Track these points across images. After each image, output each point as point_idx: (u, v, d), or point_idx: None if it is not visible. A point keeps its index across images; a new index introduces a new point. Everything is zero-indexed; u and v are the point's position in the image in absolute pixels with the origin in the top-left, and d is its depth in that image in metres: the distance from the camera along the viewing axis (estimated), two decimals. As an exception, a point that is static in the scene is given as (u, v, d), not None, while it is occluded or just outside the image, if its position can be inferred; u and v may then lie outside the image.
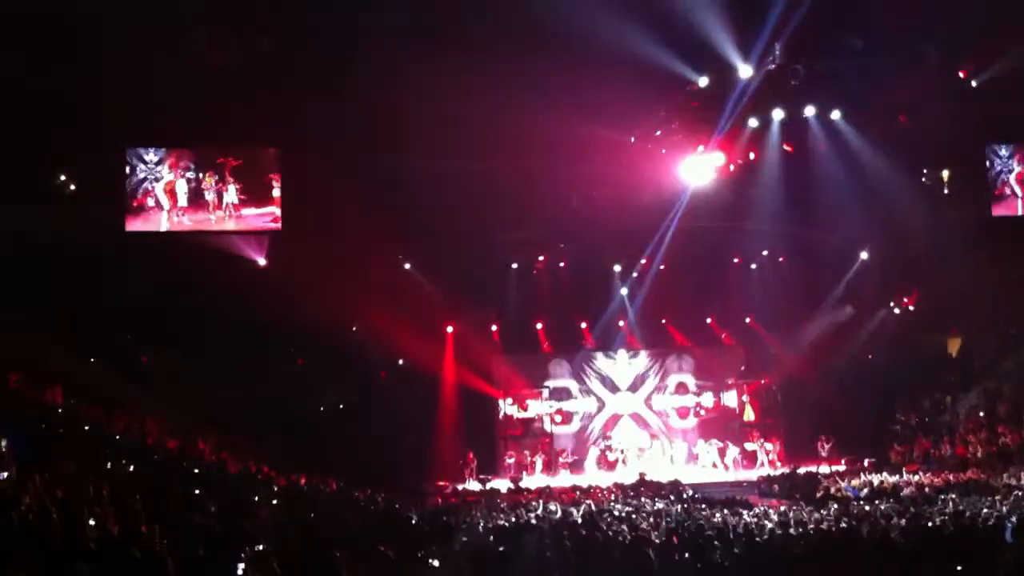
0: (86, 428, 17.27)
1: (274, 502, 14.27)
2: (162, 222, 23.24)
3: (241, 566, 8.45)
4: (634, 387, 31.63)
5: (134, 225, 23.09)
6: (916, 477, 22.83)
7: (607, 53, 19.58)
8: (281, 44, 20.55)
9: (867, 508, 17.35)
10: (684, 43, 20.86)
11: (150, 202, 23.16)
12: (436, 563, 10.16)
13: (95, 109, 20.51)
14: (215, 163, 23.61)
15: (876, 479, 23.08)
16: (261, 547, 9.33)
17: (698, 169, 24.17)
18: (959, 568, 9.49)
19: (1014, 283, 26.33)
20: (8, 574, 7.07)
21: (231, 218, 23.59)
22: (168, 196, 23.27)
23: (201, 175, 23.53)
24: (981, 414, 26.74)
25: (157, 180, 23.28)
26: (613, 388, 31.57)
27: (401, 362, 28.81)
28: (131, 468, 14.20)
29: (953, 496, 18.47)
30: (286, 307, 23.52)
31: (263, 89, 21.14)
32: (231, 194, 23.51)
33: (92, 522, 8.88)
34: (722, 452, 29.52)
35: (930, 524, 13.28)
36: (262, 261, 24.77)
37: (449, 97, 20.35)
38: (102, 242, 22.98)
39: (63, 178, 23.69)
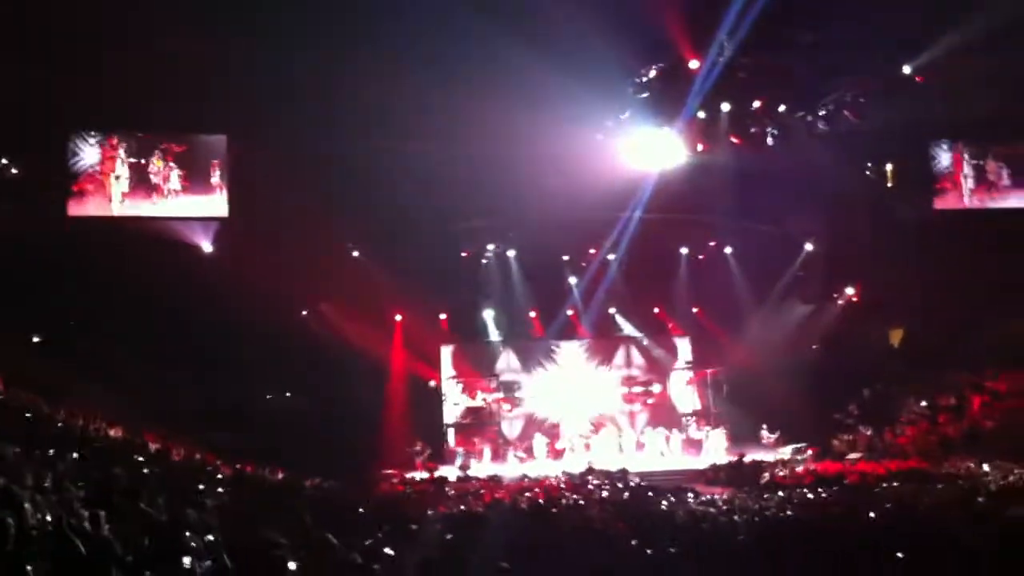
0: (28, 416, 16.98)
1: (220, 491, 14.13)
2: (105, 208, 22.90)
3: (187, 557, 8.36)
4: (582, 376, 31.81)
5: (77, 211, 22.73)
6: (858, 466, 23.15)
7: (558, 43, 19.60)
8: (229, 29, 20.30)
9: (810, 496, 17.61)
10: (635, 34, 20.93)
11: (92, 188, 22.82)
12: (389, 551, 10.12)
13: (38, 93, 20.15)
14: (159, 148, 23.32)
15: (819, 467, 23.46)
16: (208, 537, 9.25)
17: (647, 161, 24.31)
18: (900, 556, 9.64)
19: (956, 275, 26.81)
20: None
21: (175, 204, 23.33)
22: (111, 182, 22.94)
23: (145, 160, 23.22)
24: (923, 404, 27.18)
25: (100, 165, 22.93)
26: (561, 377, 31.72)
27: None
28: (74, 456, 13.98)
29: (895, 484, 18.79)
30: (233, 294, 23.29)
31: (209, 75, 20.87)
32: (174, 180, 23.23)
33: (33, 511, 8.74)
34: (669, 440, 29.80)
35: (872, 512, 13.48)
36: (208, 248, 24.53)
37: (400, 85, 20.27)
38: (45, 228, 22.59)
39: (4, 162, 23.23)
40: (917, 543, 10.19)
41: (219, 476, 17.03)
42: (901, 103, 23.45)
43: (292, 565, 8.88)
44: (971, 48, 21.44)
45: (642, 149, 24.02)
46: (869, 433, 26.91)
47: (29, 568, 7.03)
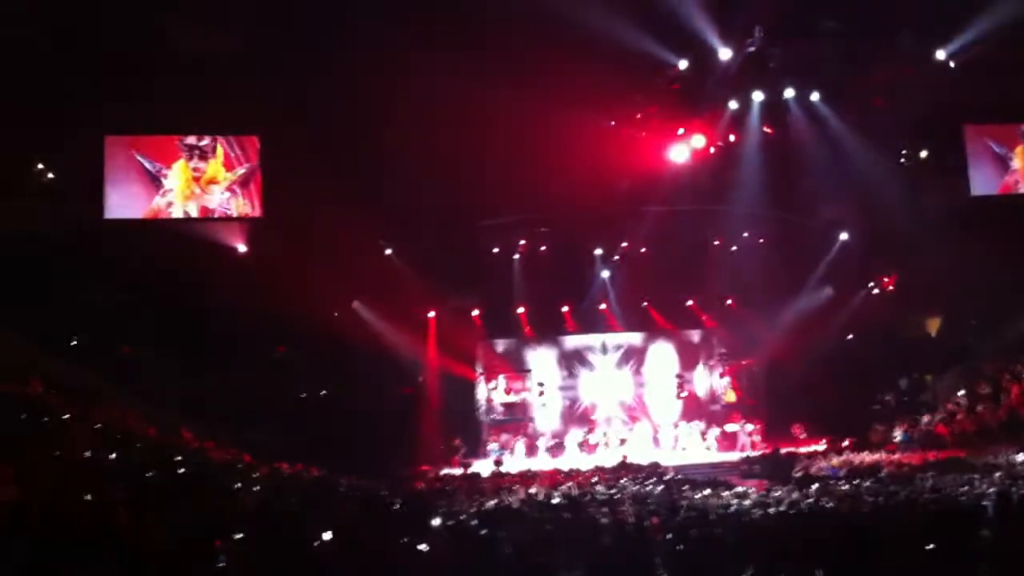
0: (65, 418, 17.17)
1: (256, 490, 14.25)
2: (139, 210, 23.11)
3: (224, 556, 8.45)
4: (615, 370, 31.73)
5: (111, 213, 22.95)
6: (896, 456, 22.95)
7: (586, 36, 19.59)
8: (261, 31, 20.45)
9: (847, 487, 17.46)
10: (664, 26, 20.89)
11: (126, 190, 23.03)
12: (424, 547, 10.17)
13: (73, 97, 20.37)
14: (193, 149, 23.49)
15: (856, 459, 23.23)
16: (243, 535, 9.33)
17: (678, 152, 24.22)
18: (938, 547, 9.56)
19: (993, 262, 26.50)
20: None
21: (208, 205, 23.51)
22: (146, 184, 23.14)
23: (180, 162, 23.41)
24: (961, 393, 26.90)
25: (133, 167, 23.14)
26: (595, 371, 31.66)
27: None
28: (112, 457, 14.15)
29: (932, 475, 18.58)
30: (267, 295, 23.43)
31: (243, 76, 21.03)
32: (207, 181, 23.40)
33: (73, 512, 8.87)
34: (704, 434, 29.70)
35: (909, 503, 13.36)
36: (242, 248, 24.69)
37: (430, 84, 20.32)
38: (80, 232, 22.84)
39: (40, 167, 23.50)
40: (956, 533, 10.10)
41: (255, 475, 17.17)
42: (935, 89, 23.20)
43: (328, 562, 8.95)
44: (1005, 32, 21.20)
45: (672, 141, 23.93)
46: (906, 423, 26.66)
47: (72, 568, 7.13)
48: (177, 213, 23.36)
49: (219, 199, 23.52)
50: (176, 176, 23.21)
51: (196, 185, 23.34)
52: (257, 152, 23.74)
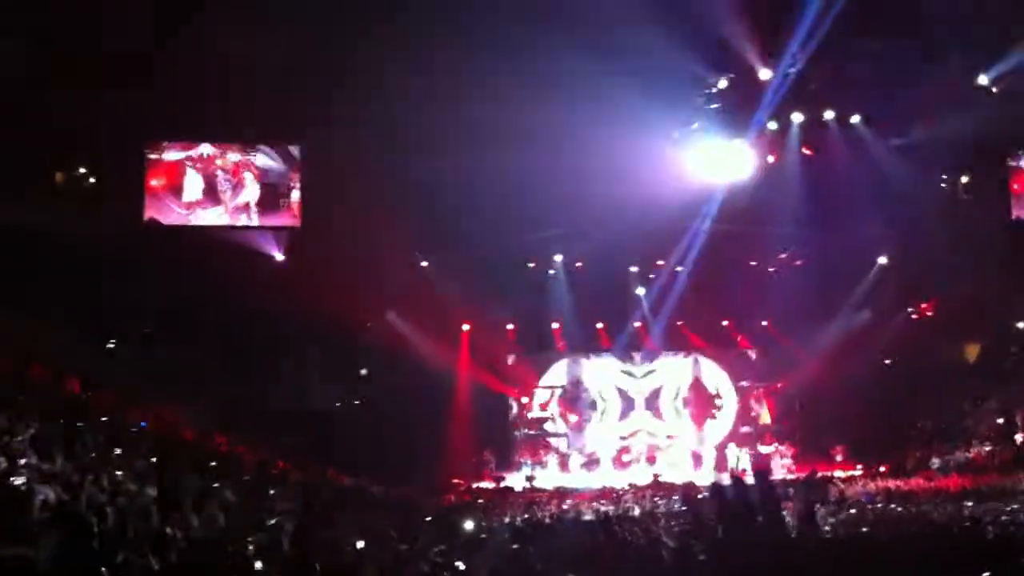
0: (103, 419, 17.34)
1: (290, 495, 14.32)
2: (180, 216, 23.34)
3: (259, 561, 8.49)
4: (649, 389, 31.59)
5: (151, 219, 23.19)
6: (933, 483, 22.69)
7: (628, 54, 19.58)
8: (303, 42, 20.57)
9: (883, 512, 17.29)
10: (705, 45, 20.85)
11: (167, 196, 23.27)
12: (461, 565, 10.14)
13: (115, 103, 20.57)
14: (234, 157, 23.72)
15: (892, 485, 22.97)
16: (276, 538, 9.38)
17: (716, 172, 24.14)
18: (977, 574, 9.42)
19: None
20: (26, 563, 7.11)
21: (250, 213, 23.72)
22: (188, 190, 23.37)
23: (220, 169, 23.63)
24: (1000, 421, 26.57)
25: (175, 173, 23.38)
26: (628, 389, 31.54)
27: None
28: (149, 459, 14.26)
29: (970, 503, 18.36)
30: (303, 303, 23.56)
31: (284, 86, 21.18)
32: (248, 189, 23.61)
33: (115, 517, 8.94)
34: (737, 455, 29.46)
35: (946, 529, 13.20)
36: (280, 257, 24.86)
37: (469, 97, 20.37)
38: (121, 236, 23.06)
39: (82, 171, 23.77)
40: (994, 560, 9.96)
41: (288, 480, 17.26)
42: (977, 113, 22.98)
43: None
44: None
45: (712, 160, 23.85)
46: (943, 449, 26.35)
47: (104, 570, 7.19)
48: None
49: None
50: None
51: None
52: (296, 162, 23.91)
